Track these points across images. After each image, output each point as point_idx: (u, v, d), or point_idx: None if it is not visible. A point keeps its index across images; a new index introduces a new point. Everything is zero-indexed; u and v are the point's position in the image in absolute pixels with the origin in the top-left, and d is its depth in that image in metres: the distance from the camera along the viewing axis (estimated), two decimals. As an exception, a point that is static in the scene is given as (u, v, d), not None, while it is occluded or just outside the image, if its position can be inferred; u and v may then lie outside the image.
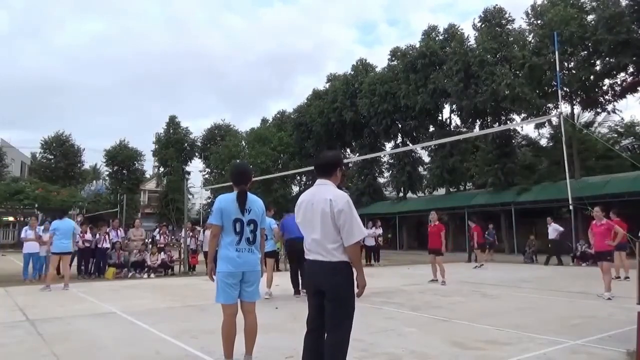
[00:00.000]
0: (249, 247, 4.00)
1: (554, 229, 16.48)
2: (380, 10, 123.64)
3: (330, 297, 3.19)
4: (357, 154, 36.19)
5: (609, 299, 7.98)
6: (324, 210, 3.22)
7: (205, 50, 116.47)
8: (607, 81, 23.21)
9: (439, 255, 11.11)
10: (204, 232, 14.41)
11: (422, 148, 32.29)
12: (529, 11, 24.54)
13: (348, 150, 38.95)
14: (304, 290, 8.80)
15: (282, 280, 9.23)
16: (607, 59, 21.62)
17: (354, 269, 3.26)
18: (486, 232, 18.61)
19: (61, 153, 40.54)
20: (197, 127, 64.77)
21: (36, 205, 30.79)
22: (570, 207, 10.98)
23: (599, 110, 24.66)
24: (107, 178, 45.32)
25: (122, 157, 41.40)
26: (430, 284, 10.78)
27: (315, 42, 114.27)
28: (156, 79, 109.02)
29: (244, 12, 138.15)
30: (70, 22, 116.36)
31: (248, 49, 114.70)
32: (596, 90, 23.23)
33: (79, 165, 42.85)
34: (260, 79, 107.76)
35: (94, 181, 52.91)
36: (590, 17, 22.16)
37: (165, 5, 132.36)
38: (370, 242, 17.07)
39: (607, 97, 23.61)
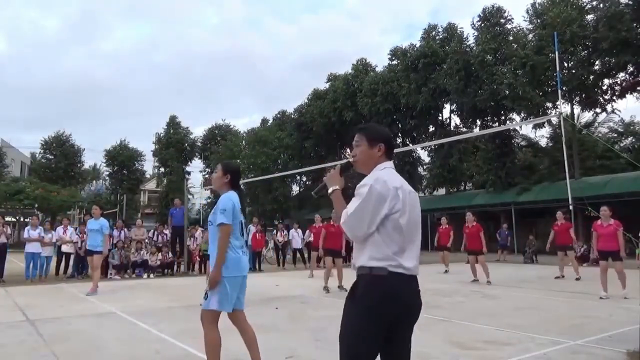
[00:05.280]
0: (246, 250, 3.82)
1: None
2: (425, 15, 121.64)
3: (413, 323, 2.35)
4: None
5: (626, 298, 8.13)
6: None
7: (247, 52, 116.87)
8: (606, 81, 23.20)
9: (481, 255, 11.21)
10: (202, 233, 14.32)
11: (422, 148, 32.28)
12: (529, 10, 24.56)
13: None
14: None
15: (282, 280, 9.24)
16: (607, 58, 21.60)
17: None
18: (498, 232, 19.46)
19: (61, 153, 40.53)
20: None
21: (36, 205, 30.76)
22: (570, 208, 10.99)
23: (598, 110, 24.66)
24: (107, 178, 45.33)
25: (122, 158, 41.40)
26: (472, 284, 10.84)
27: (357, 45, 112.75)
28: (197, 81, 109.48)
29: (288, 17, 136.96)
30: (117, 27, 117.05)
31: (290, 51, 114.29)
32: (596, 90, 23.22)
33: (79, 165, 42.85)
34: (301, 81, 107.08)
35: (94, 181, 52.93)
36: (590, 17, 22.15)
37: (205, 11, 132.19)
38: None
39: (606, 97, 23.60)
